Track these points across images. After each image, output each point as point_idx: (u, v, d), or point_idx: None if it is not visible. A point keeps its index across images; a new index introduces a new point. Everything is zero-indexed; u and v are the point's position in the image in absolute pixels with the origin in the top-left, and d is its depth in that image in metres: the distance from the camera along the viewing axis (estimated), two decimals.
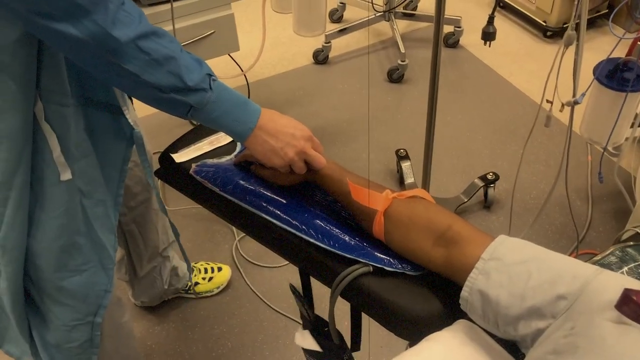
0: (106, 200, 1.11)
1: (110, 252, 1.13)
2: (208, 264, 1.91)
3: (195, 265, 1.90)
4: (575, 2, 1.32)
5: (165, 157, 1.16)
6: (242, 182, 1.08)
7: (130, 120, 1.08)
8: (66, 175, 0.99)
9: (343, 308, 0.97)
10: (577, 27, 1.38)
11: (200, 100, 0.91)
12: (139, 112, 1.54)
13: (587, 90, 1.56)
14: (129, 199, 1.44)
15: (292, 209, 1.02)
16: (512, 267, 0.77)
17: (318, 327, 1.03)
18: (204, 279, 1.88)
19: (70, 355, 1.17)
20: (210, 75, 0.92)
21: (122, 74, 0.85)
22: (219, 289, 1.89)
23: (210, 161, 1.14)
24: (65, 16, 0.78)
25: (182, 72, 0.87)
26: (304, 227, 0.98)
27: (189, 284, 1.85)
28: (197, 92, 0.90)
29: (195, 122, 1.51)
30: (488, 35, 1.66)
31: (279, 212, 1.01)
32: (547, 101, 1.52)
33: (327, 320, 1.00)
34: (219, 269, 1.90)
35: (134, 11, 0.83)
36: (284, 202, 1.04)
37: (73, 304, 1.11)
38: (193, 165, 1.13)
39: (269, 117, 0.99)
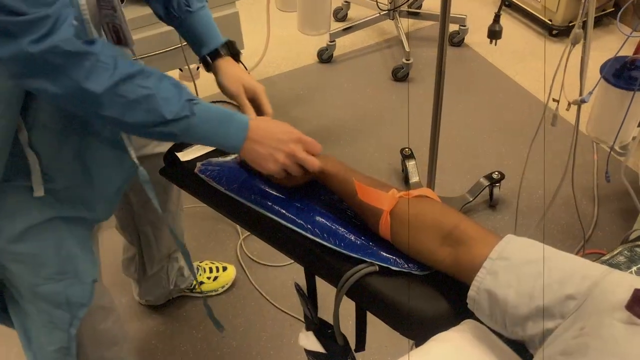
0: (87, 220, 1.14)
1: (88, 267, 1.13)
2: (213, 263, 1.91)
3: (200, 264, 1.90)
4: (582, 1, 1.31)
5: (170, 156, 1.16)
6: (247, 180, 1.07)
7: (134, 159, 1.10)
8: (39, 193, 1.02)
9: (347, 307, 0.96)
10: (583, 25, 1.37)
11: (184, 127, 0.95)
12: None
13: (593, 89, 1.55)
14: (145, 201, 1.44)
15: (297, 207, 1.02)
16: (520, 266, 0.77)
17: (322, 328, 1.03)
18: (208, 278, 1.87)
19: (50, 358, 1.18)
20: (190, 100, 0.95)
21: (105, 119, 0.91)
22: (224, 289, 1.89)
23: (215, 160, 1.13)
24: (43, 75, 0.83)
25: (161, 107, 0.91)
26: (309, 226, 0.98)
27: (194, 283, 1.85)
28: (179, 120, 0.93)
29: None
30: (494, 33, 1.66)
31: (284, 211, 1.01)
32: (554, 100, 1.51)
33: (331, 322, 0.99)
34: (224, 269, 1.90)
35: (109, 60, 0.86)
36: (290, 201, 1.03)
37: (47, 309, 1.12)
38: (198, 164, 1.12)
39: (256, 125, 1.00)
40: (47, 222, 1.06)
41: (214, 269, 1.89)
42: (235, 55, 1.17)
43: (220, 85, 1.14)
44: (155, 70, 0.94)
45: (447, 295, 0.87)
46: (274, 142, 0.99)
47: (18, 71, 0.83)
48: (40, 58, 0.80)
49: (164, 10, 1.14)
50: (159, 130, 0.94)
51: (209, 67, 1.16)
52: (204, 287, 1.87)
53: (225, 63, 1.14)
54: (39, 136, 0.99)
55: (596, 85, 1.62)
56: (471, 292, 0.80)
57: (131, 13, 1.59)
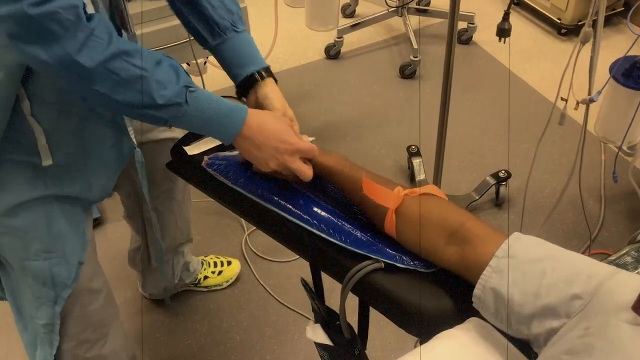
0: (81, 199, 1.14)
1: (76, 248, 1.14)
2: (218, 257, 1.91)
3: (205, 259, 1.90)
4: (593, 0, 1.30)
5: (177, 150, 1.16)
6: (253, 175, 1.07)
7: (133, 139, 1.10)
8: (47, 162, 1.03)
9: (353, 304, 0.96)
10: (593, 25, 1.36)
11: (174, 114, 0.94)
12: None
13: (602, 88, 1.54)
14: (151, 187, 1.44)
15: (303, 203, 1.02)
16: (526, 265, 0.77)
17: (329, 321, 1.03)
18: (213, 272, 1.88)
19: (38, 332, 1.19)
20: (187, 87, 0.93)
21: (94, 94, 0.89)
22: (228, 283, 1.89)
23: (222, 154, 1.13)
24: (37, 40, 0.82)
25: (153, 90, 0.90)
26: (315, 221, 0.98)
27: (199, 277, 1.86)
28: (170, 107, 0.92)
29: None
30: (503, 31, 1.65)
31: (290, 206, 1.01)
32: (562, 99, 1.51)
33: (339, 314, 0.99)
34: (229, 263, 1.90)
35: (103, 35, 0.85)
36: (296, 196, 1.03)
37: (34, 285, 1.13)
38: (205, 158, 1.12)
39: (256, 124, 1.00)
40: (39, 199, 1.07)
41: (219, 264, 1.89)
42: (275, 80, 1.16)
43: (263, 97, 1.12)
44: (157, 53, 0.93)
45: (452, 293, 0.87)
46: (271, 149, 0.99)
47: (13, 32, 0.82)
48: (37, 21, 0.80)
49: (208, 30, 1.13)
50: (148, 113, 0.92)
51: (250, 86, 1.13)
52: (209, 282, 1.87)
53: (271, 82, 1.13)
54: (39, 109, 0.99)
55: (605, 84, 1.61)
56: (476, 291, 0.79)
57: (139, 7, 1.59)
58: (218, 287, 1.89)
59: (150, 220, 1.54)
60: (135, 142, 1.13)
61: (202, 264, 1.88)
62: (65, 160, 1.08)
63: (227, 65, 1.15)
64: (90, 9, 0.89)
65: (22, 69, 0.93)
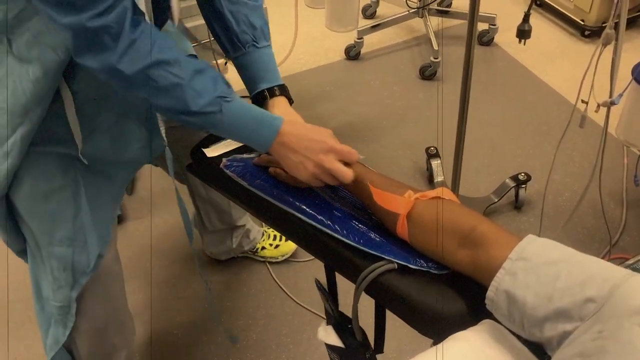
0: (105, 192, 1.20)
1: (98, 241, 1.19)
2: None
3: (266, 230, 1.97)
4: (615, 1, 1.29)
5: (197, 152, 1.18)
6: (269, 177, 1.09)
7: (164, 137, 1.15)
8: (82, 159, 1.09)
9: (368, 305, 0.96)
10: (615, 26, 1.35)
11: (208, 122, 0.99)
12: None
13: (624, 91, 1.52)
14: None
15: (318, 204, 1.02)
16: (540, 267, 0.76)
17: (342, 323, 1.03)
18: (270, 245, 1.94)
19: (53, 314, 1.25)
20: (222, 97, 0.98)
21: (135, 96, 0.98)
22: (284, 257, 1.95)
23: (239, 156, 1.15)
24: (90, 49, 0.90)
25: (188, 98, 0.95)
26: (329, 222, 0.98)
27: (257, 246, 1.93)
28: (204, 115, 0.97)
29: None
30: (523, 33, 1.64)
31: (305, 207, 1.02)
32: (583, 101, 1.49)
33: (351, 317, 1.00)
34: (287, 239, 1.95)
35: (144, 47, 0.91)
36: (311, 197, 1.04)
37: (55, 269, 1.19)
38: (224, 160, 1.14)
39: (289, 131, 1.01)
40: (70, 186, 1.13)
41: (277, 237, 1.96)
42: (290, 100, 1.18)
43: None
44: (198, 62, 0.98)
45: (465, 295, 0.87)
46: (306, 151, 1.00)
47: (70, 40, 0.88)
48: (93, 33, 0.86)
49: (229, 41, 1.16)
50: (184, 119, 0.98)
51: (260, 102, 1.16)
52: (266, 253, 1.94)
53: (282, 101, 1.15)
54: (80, 105, 1.05)
55: (627, 87, 1.59)
56: (489, 293, 0.79)
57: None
58: (273, 260, 1.95)
59: (197, 189, 1.66)
60: (166, 141, 1.17)
61: (263, 234, 1.94)
62: (95, 155, 1.13)
63: (243, 78, 1.19)
64: (142, 5, 0.93)
65: (61, 69, 0.98)
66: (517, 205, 2.09)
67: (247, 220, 1.85)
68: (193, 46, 1.76)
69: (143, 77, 0.92)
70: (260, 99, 1.15)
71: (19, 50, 0.97)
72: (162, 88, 0.94)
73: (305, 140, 1.01)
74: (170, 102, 0.96)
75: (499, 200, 2.06)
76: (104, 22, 0.86)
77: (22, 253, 1.26)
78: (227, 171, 1.12)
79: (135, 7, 0.91)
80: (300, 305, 1.84)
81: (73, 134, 1.07)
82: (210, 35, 1.22)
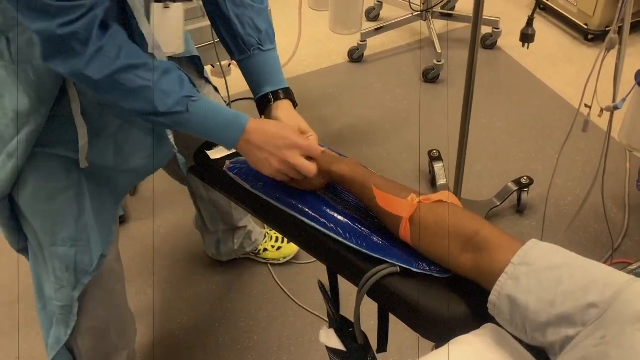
0: (107, 194, 1.21)
1: (101, 242, 1.20)
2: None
3: (268, 232, 1.97)
4: (619, 5, 1.29)
5: (200, 154, 1.18)
6: (272, 179, 1.09)
7: (173, 144, 1.17)
8: (84, 164, 1.11)
9: (370, 308, 0.97)
10: (619, 31, 1.35)
11: (176, 121, 1.01)
12: None
13: (627, 95, 1.52)
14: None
15: (321, 207, 1.03)
16: (542, 272, 0.76)
17: (343, 326, 1.04)
18: (273, 247, 1.94)
19: (55, 313, 1.26)
20: (189, 96, 1.00)
21: (105, 100, 1.01)
22: (285, 259, 1.95)
23: (243, 158, 1.15)
24: (59, 54, 0.91)
25: (155, 99, 0.97)
26: (332, 225, 0.99)
27: (259, 248, 1.93)
28: (172, 115, 0.99)
29: None
30: (527, 37, 1.64)
31: (307, 210, 1.02)
32: (586, 106, 1.49)
33: (353, 320, 1.00)
34: (289, 241, 1.95)
35: (112, 52, 0.93)
36: (313, 200, 1.04)
37: (58, 269, 1.20)
38: (227, 162, 1.14)
39: (255, 128, 1.04)
40: (74, 187, 1.14)
41: (279, 239, 1.96)
42: (294, 103, 1.18)
43: (274, 120, 1.15)
44: (165, 64, 1.00)
45: (468, 299, 0.87)
46: (270, 147, 1.02)
47: (40, 45, 0.90)
48: (62, 39, 0.88)
49: (234, 44, 1.17)
50: (153, 120, 1.00)
51: (264, 105, 1.17)
52: (267, 255, 1.94)
53: (286, 104, 1.16)
54: (87, 108, 1.07)
55: (630, 91, 1.59)
56: (492, 297, 0.79)
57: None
58: (275, 262, 1.95)
59: (199, 192, 1.66)
60: (176, 149, 1.20)
61: (265, 236, 1.94)
62: (100, 161, 1.14)
63: (248, 81, 1.20)
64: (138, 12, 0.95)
65: None
66: (520, 209, 2.09)
67: (249, 222, 1.85)
68: (197, 47, 1.77)
69: (110, 82, 0.94)
70: (264, 102, 1.15)
71: (20, 51, 0.97)
72: (129, 91, 0.96)
73: (269, 137, 1.03)
74: (138, 105, 0.97)
75: (501, 204, 2.06)
76: (73, 29, 0.87)
77: (23, 251, 1.27)
78: (231, 173, 1.12)
79: (108, 12, 0.92)
80: (302, 307, 1.84)
81: (79, 134, 1.08)
82: (214, 36, 1.23)
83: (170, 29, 1.09)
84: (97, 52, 0.91)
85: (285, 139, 1.02)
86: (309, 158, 1.03)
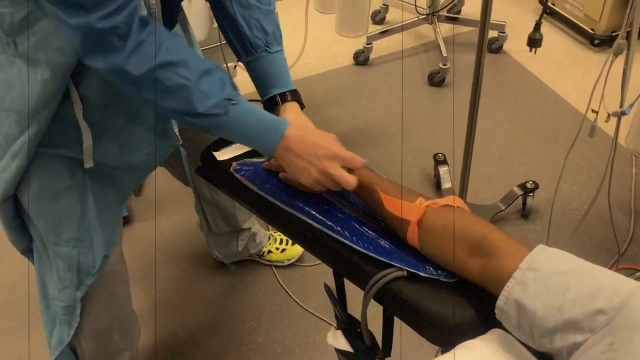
0: (111, 194, 1.21)
1: (104, 242, 1.20)
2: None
3: (272, 234, 1.97)
4: (628, 11, 1.29)
5: (207, 155, 1.18)
6: (279, 181, 1.09)
7: (178, 136, 1.16)
8: (89, 164, 1.10)
9: (375, 311, 0.96)
10: (627, 36, 1.35)
11: (214, 124, 0.98)
12: None
13: (635, 101, 1.52)
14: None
15: (327, 210, 1.02)
16: (550, 278, 0.76)
17: (351, 328, 1.03)
18: (277, 249, 1.94)
19: (58, 313, 1.26)
20: (229, 99, 0.97)
21: (142, 98, 0.98)
22: (289, 261, 1.94)
23: (250, 160, 1.15)
24: (98, 49, 0.89)
25: (194, 99, 0.94)
26: (339, 228, 0.98)
27: (263, 250, 1.93)
28: (210, 117, 0.97)
29: None
30: (534, 41, 1.64)
31: (314, 213, 1.02)
32: (593, 111, 1.49)
33: (360, 321, 1.00)
34: (293, 243, 1.95)
35: (152, 48, 0.91)
36: (320, 202, 1.04)
37: (61, 269, 1.19)
38: (233, 164, 1.14)
39: (294, 135, 1.01)
40: (77, 187, 1.13)
41: (284, 241, 1.95)
42: (301, 105, 1.18)
43: None
44: (207, 63, 0.98)
45: (475, 304, 0.86)
46: (311, 156, 1.00)
47: (79, 41, 0.88)
48: (101, 34, 0.86)
49: (241, 46, 1.17)
50: (189, 121, 0.98)
51: (271, 107, 1.16)
52: (272, 257, 1.94)
53: (293, 106, 1.15)
54: (89, 110, 1.06)
55: (638, 97, 1.58)
56: (499, 302, 0.79)
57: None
58: (279, 264, 1.95)
59: (203, 192, 1.65)
60: (180, 141, 1.18)
61: (269, 237, 1.94)
62: (104, 160, 1.14)
63: (255, 83, 1.19)
64: (144, 11, 0.94)
65: (69, 72, 0.98)
66: (525, 213, 2.09)
67: (253, 224, 1.85)
68: (203, 49, 1.78)
69: (150, 78, 0.92)
70: (272, 103, 1.15)
71: (27, 53, 0.97)
72: (168, 89, 0.93)
73: (309, 145, 1.00)
74: (176, 104, 0.95)
75: (506, 208, 2.05)
76: (113, 23, 0.86)
77: (26, 252, 1.27)
78: (237, 175, 1.12)
79: (146, 7, 0.91)
80: (306, 309, 1.84)
81: (83, 137, 1.08)
82: (221, 38, 1.23)
83: (196, 16, 1.09)
84: (137, 47, 0.89)
85: (326, 149, 1.00)
86: (349, 170, 1.01)
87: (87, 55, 0.90)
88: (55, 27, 0.93)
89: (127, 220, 2.11)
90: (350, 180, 0.99)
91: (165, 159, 1.29)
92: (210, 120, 0.97)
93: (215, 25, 1.61)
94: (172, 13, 1.10)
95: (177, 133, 1.20)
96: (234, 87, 1.00)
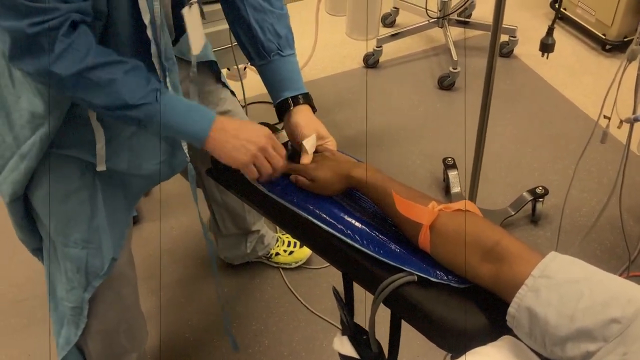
0: (120, 197, 1.21)
1: (112, 245, 1.20)
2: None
3: (281, 236, 1.96)
4: None
5: None
6: (289, 184, 1.09)
7: (186, 153, 1.17)
8: (101, 167, 1.11)
9: (382, 315, 0.96)
10: None
11: (147, 113, 0.99)
12: None
13: None
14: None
15: (338, 213, 1.02)
16: (563, 285, 0.75)
17: (357, 333, 1.03)
18: (285, 251, 1.94)
19: (66, 314, 1.27)
20: (157, 89, 0.99)
21: (74, 98, 0.99)
22: (297, 264, 1.94)
23: None
24: (26, 54, 0.91)
25: (123, 92, 0.96)
26: (349, 231, 0.98)
27: (271, 252, 1.92)
28: (142, 106, 0.98)
29: None
30: (546, 46, 1.63)
31: (324, 216, 1.01)
32: (605, 117, 1.48)
33: (367, 328, 0.99)
34: (301, 245, 1.95)
35: (81, 51, 0.92)
36: (330, 205, 1.04)
37: (69, 270, 1.20)
38: None
39: (224, 118, 1.06)
40: (87, 188, 1.14)
41: (292, 244, 1.95)
42: (313, 108, 1.19)
43: (294, 125, 1.15)
44: (133, 61, 0.99)
45: (485, 310, 0.86)
46: (246, 134, 1.04)
47: (8, 44, 0.89)
48: (31, 39, 0.88)
49: (254, 49, 1.17)
50: (123, 114, 0.99)
51: (283, 110, 1.17)
52: (279, 259, 1.93)
53: (305, 109, 1.16)
54: (99, 115, 1.07)
55: None
56: (511, 309, 0.78)
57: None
58: (287, 266, 1.94)
59: (213, 194, 1.66)
60: (189, 157, 1.19)
61: (277, 240, 1.94)
62: (113, 166, 1.14)
63: (267, 86, 1.20)
64: (146, 19, 0.96)
65: None
66: (534, 219, 2.08)
67: (262, 226, 1.85)
68: (215, 50, 1.78)
69: (77, 78, 0.93)
70: (284, 107, 1.15)
71: None
72: (96, 85, 0.95)
73: (246, 127, 1.06)
74: (107, 99, 0.96)
75: (515, 214, 2.04)
76: (42, 28, 0.87)
77: (36, 251, 1.28)
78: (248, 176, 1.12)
79: (84, 12, 0.93)
80: (313, 312, 1.84)
81: (96, 137, 1.08)
82: (232, 39, 1.23)
83: (194, 27, 1.10)
84: (65, 50, 0.91)
85: (262, 129, 1.06)
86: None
87: (15, 60, 0.92)
88: None
89: (135, 220, 2.12)
90: (281, 162, 1.06)
91: (177, 172, 1.29)
92: (143, 110, 0.98)
93: (219, 29, 1.62)
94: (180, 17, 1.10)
95: (186, 151, 1.20)
96: (159, 81, 1.03)
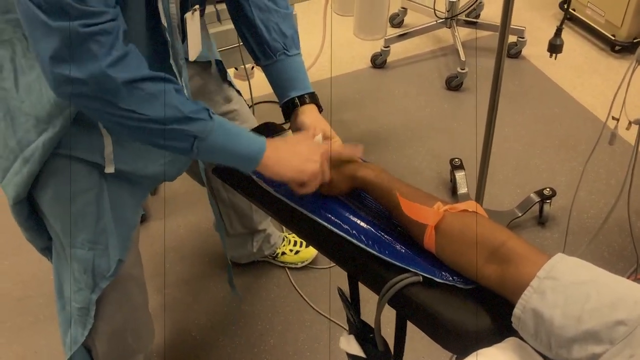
0: (127, 197, 1.21)
1: (119, 246, 1.20)
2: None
3: (287, 235, 1.96)
4: None
5: None
6: None
7: (202, 168, 1.18)
8: (110, 169, 1.11)
9: (387, 315, 0.96)
10: None
11: (202, 129, 0.95)
12: None
13: None
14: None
15: (344, 213, 1.02)
16: (569, 287, 0.75)
17: (363, 333, 1.03)
18: (291, 250, 1.94)
19: (73, 314, 1.27)
20: (208, 109, 0.97)
21: (121, 115, 0.91)
22: (303, 264, 1.94)
23: None
24: (77, 56, 0.85)
25: (178, 103, 0.92)
26: (355, 232, 0.98)
27: (277, 251, 1.92)
28: (197, 121, 0.94)
29: None
30: (555, 47, 1.62)
31: (330, 216, 1.02)
32: (613, 118, 1.47)
33: (373, 326, 0.99)
34: (307, 245, 1.95)
35: (133, 61, 0.90)
36: (336, 206, 1.04)
37: (76, 271, 1.20)
38: None
39: (277, 141, 1.05)
40: (92, 191, 1.14)
41: (298, 243, 1.95)
42: (319, 108, 1.18)
43: (300, 124, 1.15)
44: (177, 85, 0.97)
45: (491, 311, 0.86)
46: (304, 149, 1.04)
47: (57, 47, 0.85)
48: (83, 38, 0.84)
49: (259, 49, 1.17)
50: (175, 128, 0.93)
51: (290, 110, 1.17)
52: (285, 258, 1.94)
53: (312, 108, 1.16)
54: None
55: None
56: (516, 311, 0.78)
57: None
58: (292, 266, 1.95)
59: (220, 194, 1.66)
60: (204, 168, 1.20)
61: (283, 239, 1.94)
62: (119, 166, 1.14)
63: (273, 86, 1.20)
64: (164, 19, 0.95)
65: None
66: (541, 220, 2.07)
67: (268, 225, 1.85)
68: (219, 51, 1.78)
69: (131, 87, 0.89)
70: (290, 106, 1.16)
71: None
72: (151, 95, 0.91)
73: (299, 145, 1.05)
74: (161, 110, 0.92)
75: (522, 215, 2.04)
76: (96, 29, 0.84)
77: (45, 251, 1.28)
78: (254, 176, 1.12)
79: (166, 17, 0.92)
80: (319, 312, 1.84)
81: (104, 143, 1.09)
82: (238, 40, 1.23)
83: (194, 34, 1.10)
84: (124, 56, 0.88)
85: (309, 144, 1.04)
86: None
87: (60, 61, 0.85)
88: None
89: (143, 219, 2.12)
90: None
91: (183, 171, 1.29)
92: (198, 125, 0.95)
93: (226, 29, 1.62)
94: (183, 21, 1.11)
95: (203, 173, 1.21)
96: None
